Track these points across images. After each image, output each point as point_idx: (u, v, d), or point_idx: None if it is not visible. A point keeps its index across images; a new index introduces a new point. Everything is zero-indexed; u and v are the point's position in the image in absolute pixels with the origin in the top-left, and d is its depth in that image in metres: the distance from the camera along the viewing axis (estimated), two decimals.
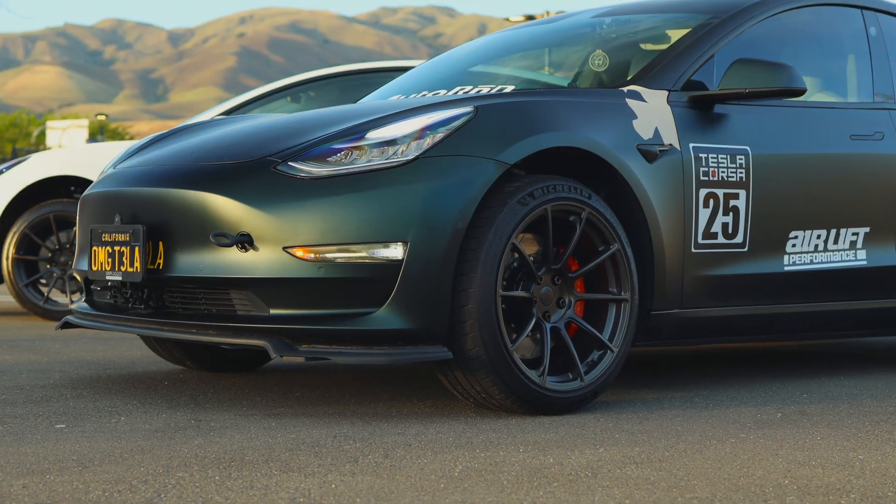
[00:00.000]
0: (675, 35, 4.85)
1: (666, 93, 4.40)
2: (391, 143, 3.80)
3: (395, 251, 3.67)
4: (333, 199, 3.72)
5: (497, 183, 3.80)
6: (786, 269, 4.59)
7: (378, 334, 3.68)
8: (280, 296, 3.75)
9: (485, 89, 4.66)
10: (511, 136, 3.87)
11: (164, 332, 4.05)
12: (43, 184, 7.94)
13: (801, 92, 4.45)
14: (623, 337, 4.03)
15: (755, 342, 6.31)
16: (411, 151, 3.76)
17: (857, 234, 4.79)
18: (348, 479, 2.89)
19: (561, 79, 5.38)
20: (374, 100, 5.37)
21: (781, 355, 5.97)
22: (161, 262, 3.94)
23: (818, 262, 4.68)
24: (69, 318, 4.51)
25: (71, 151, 8.31)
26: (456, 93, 4.73)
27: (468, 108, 3.89)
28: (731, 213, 4.37)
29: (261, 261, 3.73)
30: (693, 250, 4.28)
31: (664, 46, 4.77)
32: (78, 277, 4.59)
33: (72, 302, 6.25)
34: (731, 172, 4.37)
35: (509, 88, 4.62)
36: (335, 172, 3.76)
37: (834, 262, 4.74)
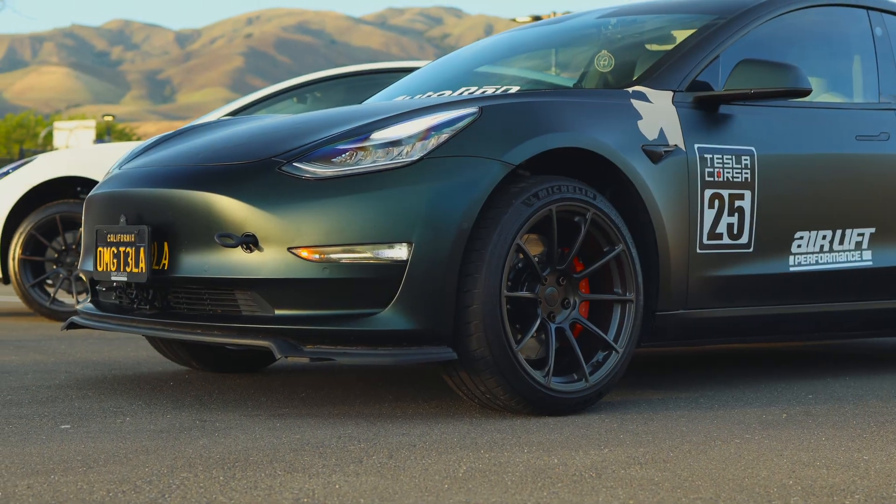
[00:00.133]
0: (681, 35, 4.85)
1: (671, 93, 4.40)
2: (396, 143, 3.80)
3: (400, 252, 3.67)
4: (338, 199, 3.72)
5: (502, 183, 3.80)
6: (791, 269, 4.58)
7: (383, 335, 3.68)
8: (285, 296, 3.75)
9: (490, 90, 4.66)
10: (516, 136, 3.87)
11: (168, 332, 4.05)
12: (49, 184, 7.94)
13: (807, 92, 4.45)
14: (628, 337, 4.03)
15: (760, 343, 6.31)
16: (416, 152, 3.76)
17: (862, 234, 4.79)
18: (352, 479, 2.89)
19: (566, 79, 5.38)
20: (379, 100, 5.37)
21: (787, 356, 5.97)
22: (166, 262, 3.95)
23: (824, 263, 4.68)
24: (75, 318, 4.52)
25: (77, 152, 8.32)
26: (461, 93, 4.73)
27: (473, 109, 3.90)
28: (736, 214, 4.37)
29: (266, 261, 3.74)
30: (698, 251, 4.28)
31: (669, 47, 4.77)
32: (83, 278, 4.59)
33: (78, 302, 6.26)
34: (737, 173, 4.37)
35: (514, 89, 4.62)
36: (340, 173, 3.76)
37: (839, 262, 4.73)
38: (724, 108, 4.46)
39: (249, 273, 3.75)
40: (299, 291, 3.73)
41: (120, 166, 4.67)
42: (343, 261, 3.69)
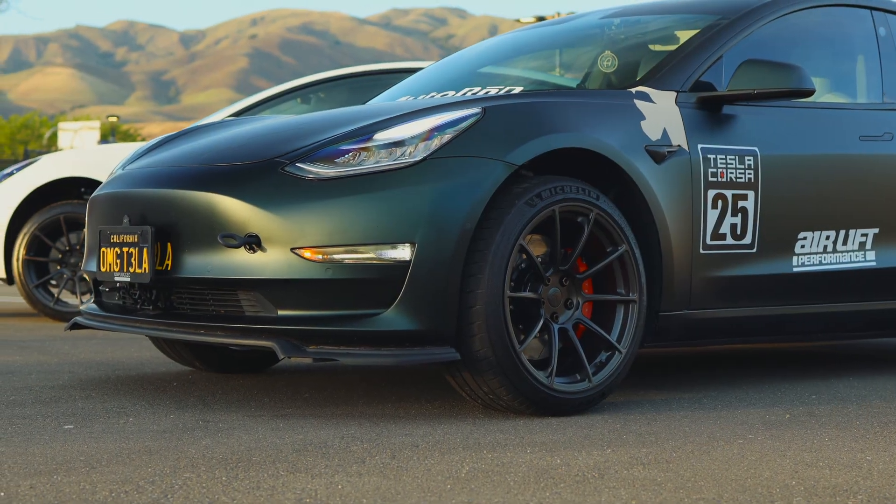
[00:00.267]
0: (684, 36, 4.84)
1: (674, 94, 4.40)
2: (399, 144, 3.80)
3: (403, 252, 3.67)
4: (341, 200, 3.72)
5: (505, 184, 3.80)
6: (795, 270, 4.58)
7: (386, 335, 3.68)
8: (288, 297, 3.75)
9: (493, 90, 4.66)
10: (519, 137, 3.87)
11: (172, 333, 4.05)
12: (53, 185, 7.95)
13: (810, 93, 4.45)
14: (631, 338, 4.02)
15: (764, 343, 6.31)
16: (419, 152, 3.76)
17: (866, 234, 4.78)
18: (355, 479, 2.89)
19: (570, 80, 5.38)
20: (382, 101, 5.37)
21: (790, 356, 5.96)
22: (169, 263, 3.95)
23: (827, 263, 4.68)
24: (78, 318, 4.52)
25: (81, 153, 8.33)
26: (464, 94, 4.73)
27: (476, 109, 3.90)
28: (739, 214, 4.37)
29: (269, 262, 3.74)
30: (701, 251, 4.28)
31: (673, 47, 4.76)
32: (87, 278, 4.60)
33: (82, 303, 6.26)
34: (740, 173, 4.37)
35: (518, 89, 4.62)
36: (343, 174, 3.76)
37: (843, 263, 4.73)
38: (727, 109, 4.46)
39: (252, 273, 3.76)
40: (302, 292, 3.73)
41: (123, 167, 4.67)
42: (346, 261, 3.69)
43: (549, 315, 3.91)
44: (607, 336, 3.98)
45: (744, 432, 3.63)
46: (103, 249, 4.23)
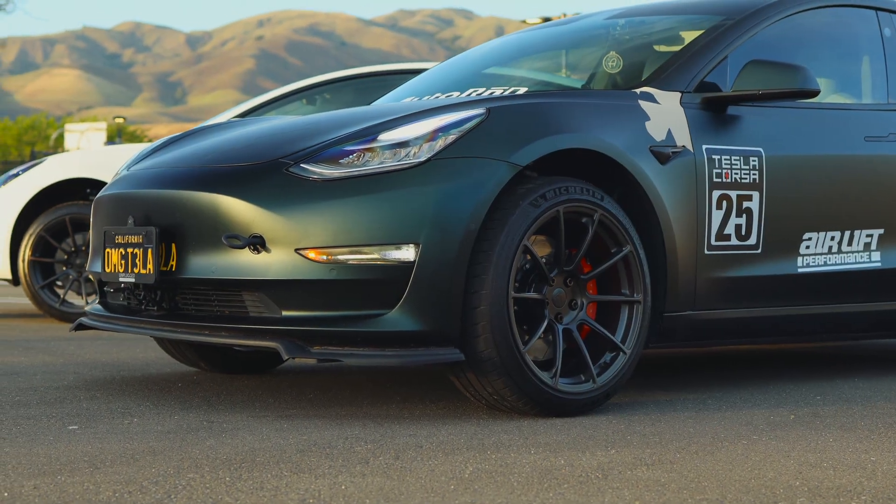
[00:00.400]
0: (689, 36, 4.84)
1: (679, 94, 4.39)
2: (403, 144, 3.80)
3: (407, 253, 3.67)
4: (345, 200, 3.72)
5: (509, 185, 3.80)
6: (799, 270, 4.57)
7: (390, 336, 3.68)
8: (292, 297, 3.75)
9: (498, 91, 4.66)
10: (523, 137, 3.87)
11: (176, 333, 4.06)
12: (59, 186, 7.96)
13: (815, 93, 4.44)
14: (635, 339, 4.02)
15: (769, 344, 6.30)
16: (423, 153, 3.76)
17: (871, 235, 4.78)
18: (358, 480, 2.89)
19: (575, 80, 5.38)
20: (387, 102, 5.38)
21: (796, 357, 5.96)
22: (174, 263, 3.95)
23: (832, 264, 4.67)
24: (83, 319, 4.53)
25: (87, 154, 8.34)
26: (469, 95, 4.72)
27: (480, 110, 3.90)
28: (744, 215, 4.36)
29: (273, 262, 3.74)
30: (706, 252, 4.27)
31: (678, 48, 4.76)
32: (92, 279, 4.60)
33: (87, 304, 6.27)
34: (745, 174, 4.37)
35: (522, 90, 4.62)
36: (347, 174, 3.76)
37: (848, 263, 4.73)
38: (732, 109, 4.46)
39: (257, 274, 3.76)
40: (307, 292, 3.73)
41: (128, 168, 4.68)
42: (350, 262, 3.69)
43: (553, 316, 3.91)
44: (612, 337, 3.98)
45: (748, 433, 3.63)
46: (108, 250, 4.24)
